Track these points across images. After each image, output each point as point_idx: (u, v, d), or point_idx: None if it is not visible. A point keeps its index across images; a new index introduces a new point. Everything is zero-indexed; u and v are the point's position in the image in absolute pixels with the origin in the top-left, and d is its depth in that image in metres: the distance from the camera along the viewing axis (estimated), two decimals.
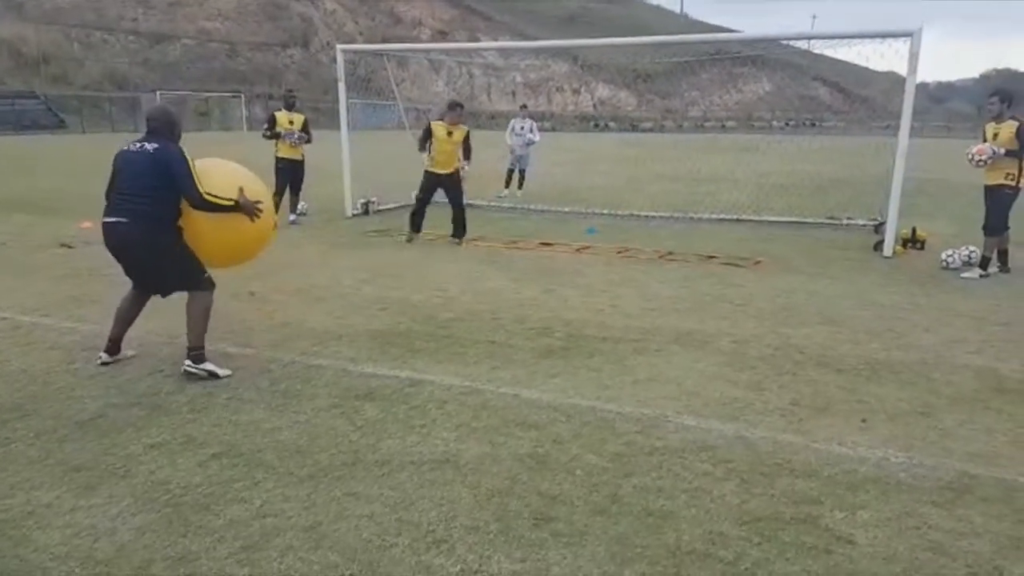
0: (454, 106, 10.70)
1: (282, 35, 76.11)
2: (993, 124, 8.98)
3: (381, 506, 3.61)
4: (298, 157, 12.34)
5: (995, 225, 9.01)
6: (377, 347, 6.05)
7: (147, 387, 5.10)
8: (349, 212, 13.63)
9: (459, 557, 3.21)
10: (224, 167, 5.62)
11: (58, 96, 55.03)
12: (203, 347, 5.33)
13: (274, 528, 3.41)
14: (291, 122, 12.31)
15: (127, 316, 5.57)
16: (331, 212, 13.65)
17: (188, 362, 5.26)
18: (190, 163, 5.17)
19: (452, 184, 10.76)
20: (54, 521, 3.46)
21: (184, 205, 5.21)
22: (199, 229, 5.34)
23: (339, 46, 14.31)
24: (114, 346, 5.57)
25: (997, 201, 8.96)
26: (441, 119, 10.75)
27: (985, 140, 9.00)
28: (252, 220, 5.35)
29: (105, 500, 3.64)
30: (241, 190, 5.30)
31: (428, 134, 10.59)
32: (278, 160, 12.25)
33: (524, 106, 18.22)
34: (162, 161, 5.14)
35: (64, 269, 8.75)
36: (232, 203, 5.23)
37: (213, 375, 5.26)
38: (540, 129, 18.25)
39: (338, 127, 13.97)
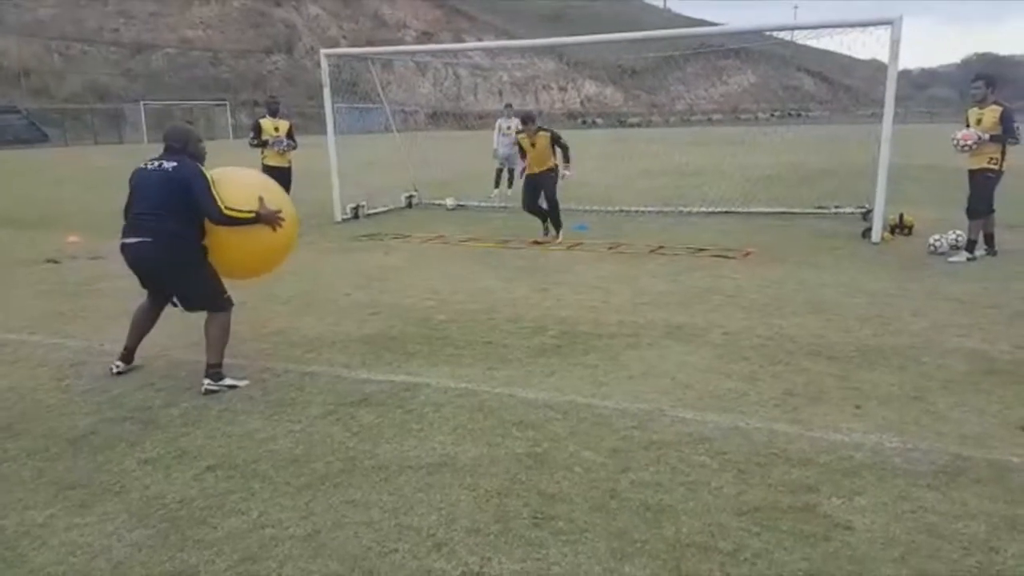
0: (526, 121, 11.05)
1: (265, 42, 75.92)
2: (976, 109, 9.00)
3: (380, 512, 3.60)
4: (285, 164, 12.28)
5: (978, 208, 9.03)
6: (371, 352, 6.04)
7: (139, 401, 5.08)
8: (338, 217, 13.61)
9: (460, 560, 3.21)
10: (242, 178, 5.62)
11: (40, 110, 54.78)
12: (221, 364, 5.32)
13: (272, 538, 3.40)
14: (276, 129, 12.27)
15: (142, 325, 5.60)
16: (320, 217, 13.61)
17: (207, 380, 5.23)
18: (209, 180, 5.15)
19: (546, 183, 10.95)
20: (49, 540, 3.44)
21: (207, 221, 5.22)
22: (224, 242, 5.34)
23: (323, 51, 14.31)
24: (128, 355, 5.63)
25: (980, 185, 8.99)
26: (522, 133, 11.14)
27: (968, 125, 9.02)
28: (274, 230, 5.35)
29: (100, 517, 3.62)
30: (261, 200, 5.29)
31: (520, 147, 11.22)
32: (265, 168, 12.19)
33: (509, 105, 18.23)
34: (181, 179, 5.13)
35: (50, 284, 8.71)
36: (253, 215, 5.23)
37: (233, 387, 5.26)
38: None
39: (324, 132, 13.96)
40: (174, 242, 5.16)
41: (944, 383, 5.09)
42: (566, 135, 11.16)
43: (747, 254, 9.72)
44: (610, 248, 10.36)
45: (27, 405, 5.07)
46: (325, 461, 4.15)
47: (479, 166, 17.23)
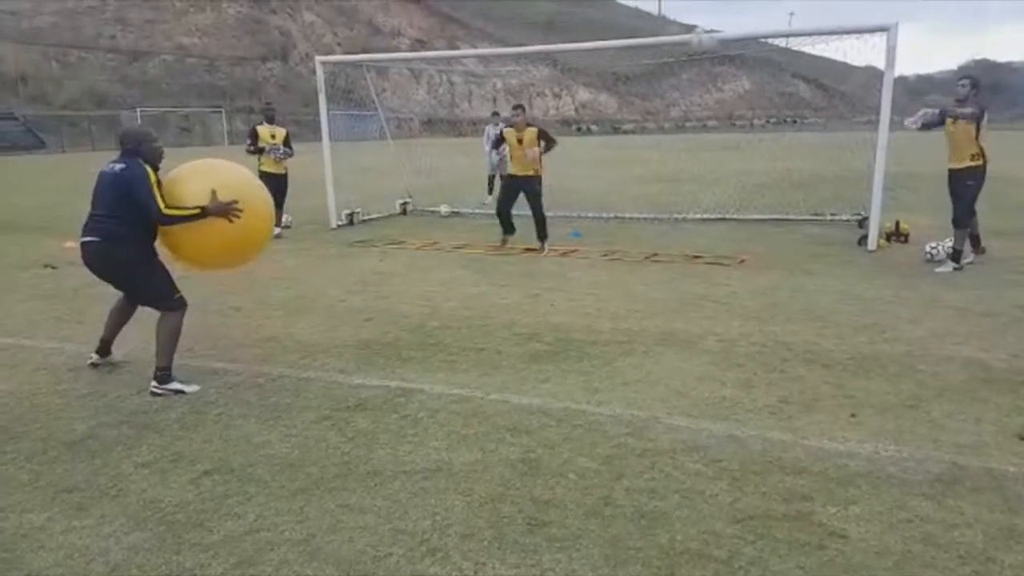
0: (517, 107, 10.97)
1: (261, 49, 75.92)
2: (955, 110, 9.00)
3: (375, 517, 3.61)
4: (282, 171, 12.30)
5: (962, 216, 9.02)
6: (366, 358, 6.04)
7: (136, 405, 5.08)
8: (334, 223, 13.62)
9: (454, 565, 3.21)
10: (202, 173, 5.55)
11: (37, 116, 54.75)
12: (169, 368, 5.35)
13: (268, 542, 3.41)
14: (273, 136, 12.29)
15: (117, 318, 5.72)
16: (316, 224, 13.64)
17: (153, 383, 5.28)
18: (152, 182, 5.18)
19: (530, 192, 10.69)
20: (47, 543, 3.44)
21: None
22: (180, 239, 5.39)
23: (318, 58, 14.32)
24: (104, 347, 5.76)
25: (962, 190, 8.94)
26: (510, 126, 10.95)
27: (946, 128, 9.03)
28: (231, 221, 5.27)
29: (97, 520, 3.62)
30: (213, 194, 5.23)
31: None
32: (261, 175, 12.19)
33: (496, 113, 18.33)
34: (125, 181, 5.20)
35: (48, 289, 8.71)
36: (198, 211, 5.19)
37: (179, 392, 5.28)
38: None
39: (319, 139, 13.97)
40: (117, 242, 5.24)
41: (940, 391, 5.10)
42: (560, 142, 11.10)
43: (742, 261, 9.74)
44: (604, 255, 10.37)
45: (25, 408, 5.07)
46: (320, 466, 4.15)
47: (473, 173, 17.26)
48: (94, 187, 5.36)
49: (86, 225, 5.33)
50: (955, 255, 9.06)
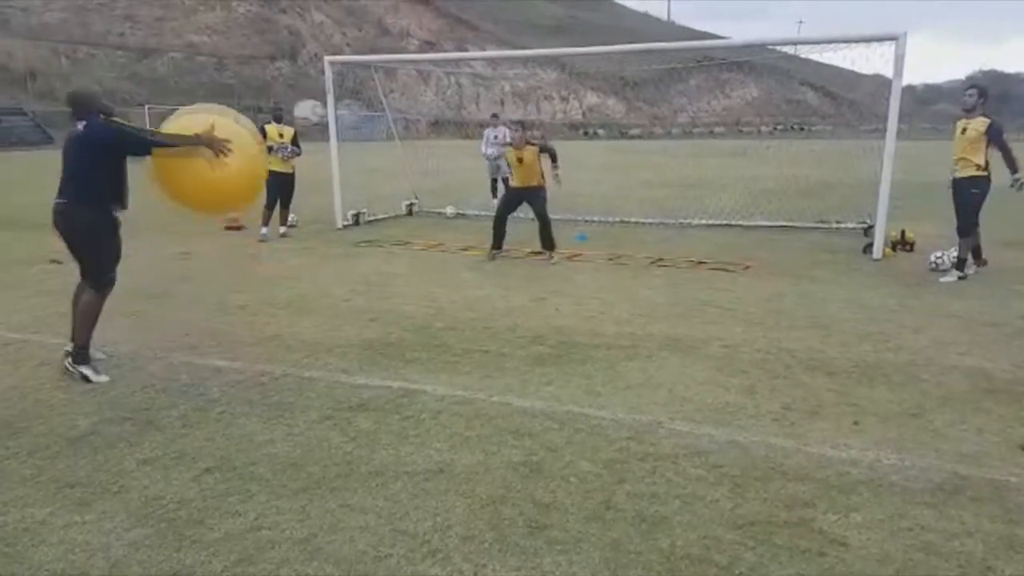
0: (519, 126, 10.89)
1: (270, 48, 76.13)
2: (964, 119, 8.99)
3: (375, 517, 3.61)
4: (289, 170, 12.32)
5: (966, 226, 9.00)
6: (369, 358, 6.04)
7: (139, 402, 5.09)
8: (340, 223, 13.64)
9: (454, 567, 3.22)
10: (198, 112, 5.60)
11: (45, 112, 54.84)
12: (87, 347, 5.42)
13: (269, 541, 3.41)
14: (281, 135, 12.31)
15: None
16: (321, 223, 13.66)
17: (68, 360, 5.39)
18: (121, 124, 5.28)
19: (534, 201, 10.44)
20: (49, 538, 3.45)
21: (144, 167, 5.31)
22: (165, 171, 5.38)
23: (327, 58, 14.33)
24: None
25: (966, 199, 8.92)
26: (510, 143, 10.81)
27: (954, 136, 9.03)
28: (218, 156, 5.25)
29: (99, 516, 3.64)
30: (212, 126, 5.25)
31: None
32: (269, 173, 12.20)
33: (495, 115, 18.38)
34: (92, 139, 5.24)
35: (53, 285, 8.70)
36: (192, 136, 5.21)
37: (86, 379, 5.36)
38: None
39: (327, 139, 13.99)
40: (77, 205, 5.31)
41: (943, 400, 5.09)
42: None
43: (747, 267, 9.73)
44: (609, 259, 10.37)
45: (28, 404, 5.08)
46: (322, 465, 4.16)
47: (479, 175, 17.26)
48: (63, 149, 5.41)
49: (59, 188, 5.38)
50: (959, 264, 9.04)
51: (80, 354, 5.37)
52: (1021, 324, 6.99)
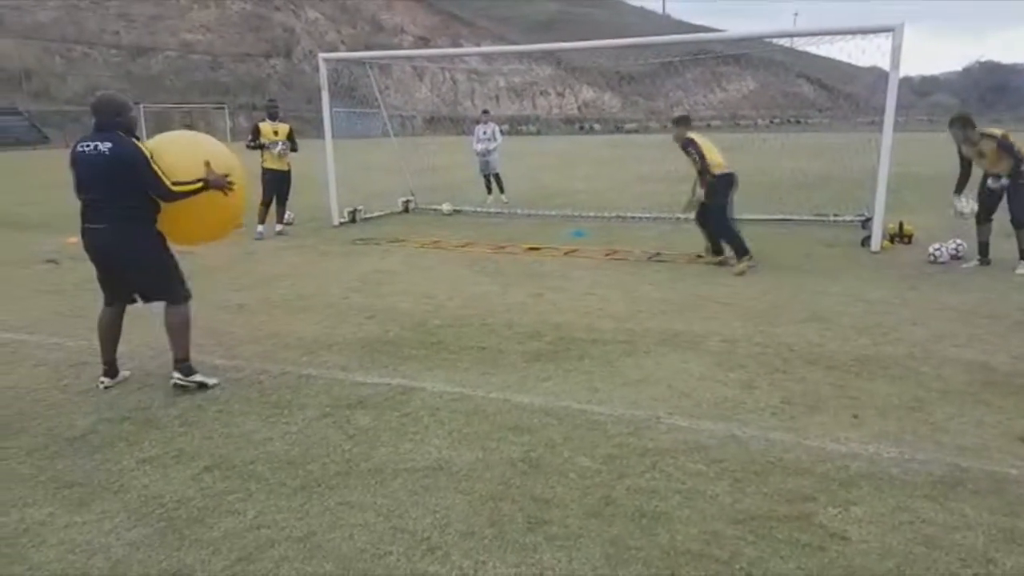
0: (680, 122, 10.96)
1: (264, 46, 75.95)
2: (967, 148, 8.96)
3: (375, 515, 3.61)
4: (284, 168, 12.29)
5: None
6: (367, 355, 6.04)
7: (137, 401, 5.08)
8: (336, 221, 13.61)
9: (454, 564, 3.21)
10: (183, 144, 5.43)
11: (40, 112, 54.76)
12: (189, 358, 5.29)
13: (268, 539, 3.41)
14: (275, 132, 12.26)
15: (111, 333, 5.37)
16: (318, 221, 13.63)
17: (177, 375, 5.22)
18: (149, 156, 4.93)
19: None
20: (49, 538, 3.45)
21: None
22: (178, 215, 5.19)
23: (321, 55, 14.31)
24: (111, 368, 5.39)
25: (1015, 190, 8.76)
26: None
27: (969, 162, 9.02)
28: (225, 194, 5.20)
29: (99, 516, 3.63)
30: (207, 165, 5.13)
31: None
32: (264, 171, 12.21)
33: (486, 111, 18.37)
34: (121, 162, 4.89)
35: (50, 285, 8.72)
36: (201, 184, 5.07)
37: (203, 386, 5.25)
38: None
39: (322, 136, 13.96)
40: (131, 228, 5.02)
41: (943, 393, 5.09)
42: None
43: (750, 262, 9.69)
44: (607, 254, 10.36)
45: (26, 404, 5.08)
46: (321, 463, 4.15)
47: (475, 172, 17.22)
48: (77, 169, 5.02)
49: (89, 212, 5.05)
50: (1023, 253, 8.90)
51: (186, 367, 5.21)
52: (1020, 316, 6.99)
